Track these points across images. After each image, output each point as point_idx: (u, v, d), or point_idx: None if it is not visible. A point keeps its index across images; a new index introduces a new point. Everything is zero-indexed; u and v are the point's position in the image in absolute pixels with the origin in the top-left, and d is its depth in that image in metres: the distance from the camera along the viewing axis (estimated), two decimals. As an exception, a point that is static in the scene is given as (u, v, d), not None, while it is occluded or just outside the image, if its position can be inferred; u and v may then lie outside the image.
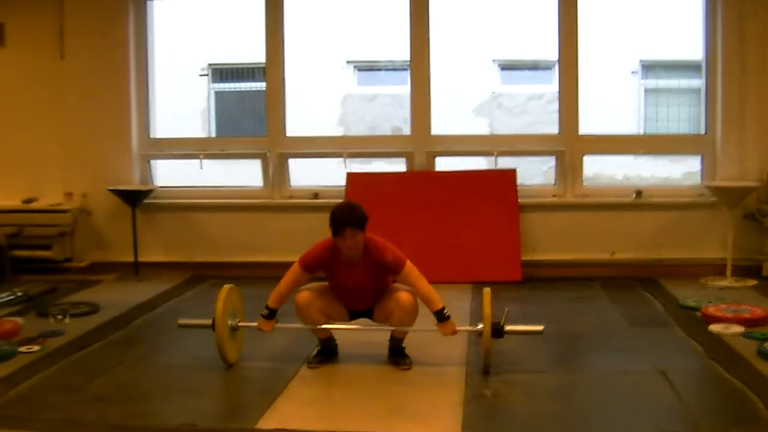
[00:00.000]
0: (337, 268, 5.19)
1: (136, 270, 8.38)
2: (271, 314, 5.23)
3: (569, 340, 6.00)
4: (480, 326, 5.02)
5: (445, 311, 5.06)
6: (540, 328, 5.25)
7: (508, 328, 5.06)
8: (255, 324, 5.27)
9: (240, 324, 5.36)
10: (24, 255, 8.41)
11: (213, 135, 12.15)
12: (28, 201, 8.61)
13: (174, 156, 8.94)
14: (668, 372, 5.00)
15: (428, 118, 8.51)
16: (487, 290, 5.10)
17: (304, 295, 5.22)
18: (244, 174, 9.16)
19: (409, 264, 5.06)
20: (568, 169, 8.33)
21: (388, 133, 11.48)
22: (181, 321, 5.59)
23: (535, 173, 10.61)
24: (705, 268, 7.96)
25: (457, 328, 5.15)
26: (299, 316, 5.28)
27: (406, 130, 8.80)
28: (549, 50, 8.72)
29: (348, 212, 5.02)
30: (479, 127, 12.15)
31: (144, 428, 4.29)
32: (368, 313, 5.34)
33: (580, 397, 4.81)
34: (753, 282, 7.64)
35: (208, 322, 5.18)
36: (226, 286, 5.29)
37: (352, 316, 5.38)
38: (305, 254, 5.22)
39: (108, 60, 8.58)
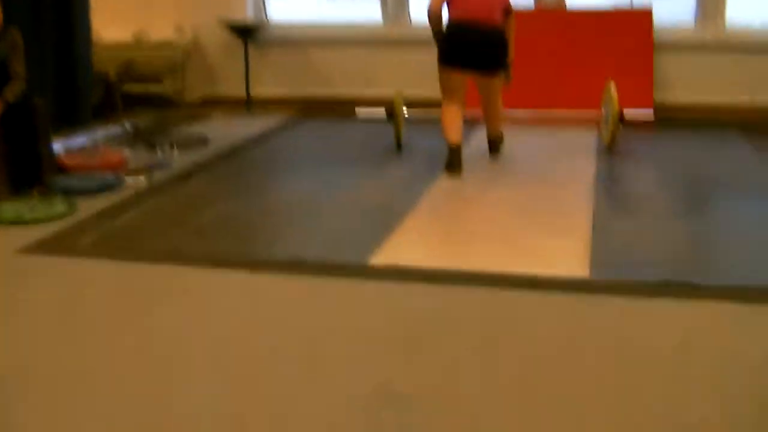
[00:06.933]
0: None
1: (248, 105, 8.15)
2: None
3: (702, 184, 5.55)
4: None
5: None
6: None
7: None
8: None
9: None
10: (135, 90, 8.23)
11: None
12: (138, 35, 8.40)
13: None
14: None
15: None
16: (611, 81, 6.11)
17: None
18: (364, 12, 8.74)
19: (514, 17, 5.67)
20: (710, 7, 7.68)
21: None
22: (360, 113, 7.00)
23: (673, 11, 9.86)
24: None
25: None
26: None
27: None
28: None
29: None
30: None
31: (250, 263, 4.00)
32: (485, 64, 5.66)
33: (709, 243, 4.40)
34: None
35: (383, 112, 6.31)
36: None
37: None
38: None
39: None
